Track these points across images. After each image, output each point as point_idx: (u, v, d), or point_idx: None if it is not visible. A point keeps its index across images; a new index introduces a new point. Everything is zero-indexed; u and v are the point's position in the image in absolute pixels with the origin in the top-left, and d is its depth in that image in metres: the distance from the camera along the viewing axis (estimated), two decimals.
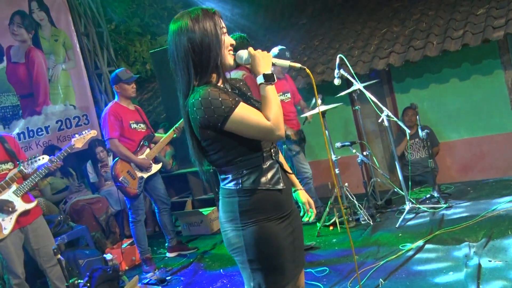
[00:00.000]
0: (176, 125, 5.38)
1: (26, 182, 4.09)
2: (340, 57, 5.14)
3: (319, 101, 5.28)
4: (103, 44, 7.87)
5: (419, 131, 5.52)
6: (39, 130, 6.69)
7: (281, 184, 2.19)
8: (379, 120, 5.21)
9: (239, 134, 2.07)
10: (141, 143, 5.27)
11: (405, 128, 5.19)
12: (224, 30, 2.17)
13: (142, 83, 9.21)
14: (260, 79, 2.13)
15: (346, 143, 5.46)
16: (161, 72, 7.03)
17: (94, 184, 6.74)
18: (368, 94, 5.08)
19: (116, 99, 5.30)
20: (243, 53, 2.21)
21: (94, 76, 7.82)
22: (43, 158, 4.09)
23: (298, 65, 2.27)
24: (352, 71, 5.23)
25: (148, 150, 5.31)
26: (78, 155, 6.68)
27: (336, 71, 5.21)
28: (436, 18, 6.74)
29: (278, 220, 2.18)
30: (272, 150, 2.22)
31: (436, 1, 7.32)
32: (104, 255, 5.35)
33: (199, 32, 2.10)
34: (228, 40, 2.18)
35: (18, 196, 4.05)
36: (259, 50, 2.20)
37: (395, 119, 5.15)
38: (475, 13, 6.33)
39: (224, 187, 2.21)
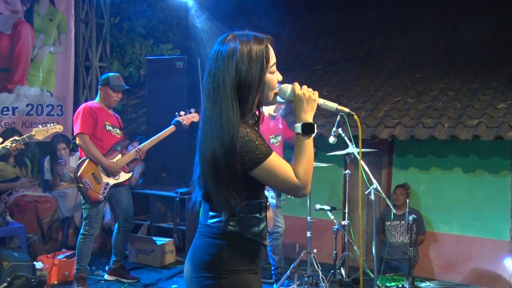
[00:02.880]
0: (140, 146, 5.39)
1: None
2: (341, 115, 5.12)
3: None
4: (101, 36, 7.89)
5: (407, 214, 5.49)
6: (5, 109, 6.61)
7: (267, 241, 2.21)
8: (366, 192, 5.18)
9: (262, 182, 2.08)
10: (114, 147, 5.27)
11: (391, 206, 5.18)
12: (275, 68, 2.13)
13: (131, 87, 9.19)
14: (298, 129, 2.10)
15: (326, 207, 5.41)
16: (152, 82, 7.04)
17: (48, 182, 6.63)
18: (361, 162, 5.06)
19: (96, 100, 5.35)
20: (287, 88, 2.16)
21: (81, 67, 7.80)
22: None
23: (346, 109, 2.18)
24: (351, 134, 5.22)
25: (119, 155, 5.31)
26: (39, 147, 6.60)
27: (334, 129, 5.20)
28: (454, 100, 6.80)
29: (254, 273, 2.16)
30: (268, 204, 2.22)
31: (459, 83, 7.40)
32: (35, 263, 5.21)
33: (245, 65, 2.04)
34: (273, 79, 2.13)
35: None
36: (304, 88, 2.14)
37: (383, 195, 5.14)
38: (495, 105, 6.39)
39: (208, 224, 2.13)
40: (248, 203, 2.11)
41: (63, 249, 5.98)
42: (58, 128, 5.02)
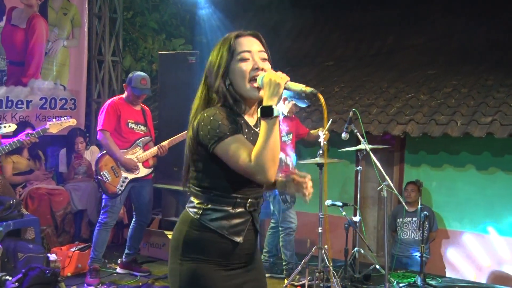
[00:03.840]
0: (163, 143, 5.45)
1: None
2: (353, 112, 5.18)
3: (320, 152, 5.28)
4: (114, 31, 7.97)
5: (419, 211, 5.51)
6: (20, 102, 6.71)
7: (240, 238, 2.19)
8: (378, 188, 5.22)
9: (227, 164, 2.10)
10: (135, 142, 5.40)
11: (403, 203, 5.22)
12: (245, 55, 2.17)
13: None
14: (257, 113, 2.10)
15: (338, 203, 5.45)
16: (165, 77, 7.10)
17: (61, 175, 6.73)
18: (373, 158, 5.10)
19: (124, 95, 5.46)
20: (260, 76, 2.14)
21: (94, 61, 7.89)
22: (9, 126, 4.13)
23: (310, 89, 2.10)
24: (363, 130, 5.27)
25: (141, 151, 5.42)
26: (53, 140, 6.68)
27: (346, 125, 5.25)
28: (467, 97, 6.80)
29: (222, 267, 2.18)
30: (249, 201, 2.21)
31: (473, 80, 7.38)
32: (49, 254, 5.29)
33: (210, 58, 2.27)
34: (245, 67, 2.16)
35: None
36: (273, 74, 2.09)
37: (395, 192, 5.16)
38: (509, 103, 6.37)
39: (186, 208, 2.25)
40: (219, 195, 2.16)
41: (76, 242, 6.06)
42: (72, 122, 5.19)
